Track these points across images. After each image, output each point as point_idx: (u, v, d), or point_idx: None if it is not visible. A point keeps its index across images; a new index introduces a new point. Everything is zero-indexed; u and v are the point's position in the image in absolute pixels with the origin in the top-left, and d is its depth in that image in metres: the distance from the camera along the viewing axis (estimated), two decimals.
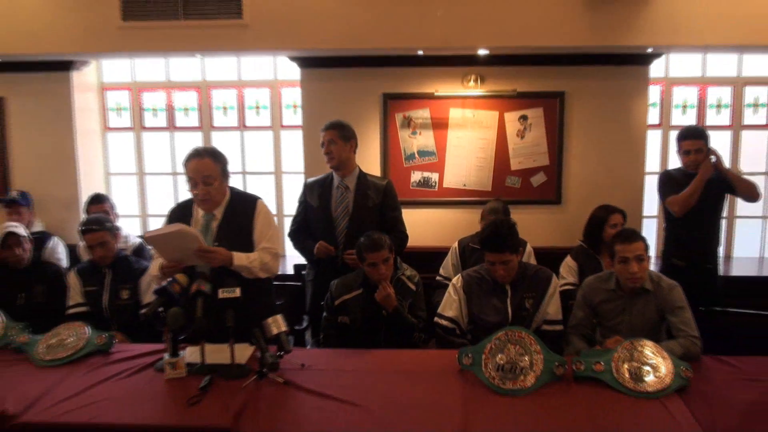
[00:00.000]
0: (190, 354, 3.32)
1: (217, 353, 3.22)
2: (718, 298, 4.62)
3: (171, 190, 6.65)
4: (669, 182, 4.71)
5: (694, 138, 4.60)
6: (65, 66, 5.99)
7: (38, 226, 5.42)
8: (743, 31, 4.98)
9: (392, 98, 5.79)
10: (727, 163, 4.93)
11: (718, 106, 6.12)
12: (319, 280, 4.41)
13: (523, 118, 5.73)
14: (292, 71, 6.08)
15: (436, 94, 5.73)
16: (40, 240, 4.97)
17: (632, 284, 3.54)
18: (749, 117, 6.12)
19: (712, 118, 6.11)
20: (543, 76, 5.68)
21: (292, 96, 6.35)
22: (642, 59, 5.59)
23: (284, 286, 4.84)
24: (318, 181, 4.56)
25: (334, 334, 3.96)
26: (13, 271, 4.33)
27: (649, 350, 3.09)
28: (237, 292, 3.20)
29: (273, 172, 6.53)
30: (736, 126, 6.11)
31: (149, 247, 4.39)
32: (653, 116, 6.01)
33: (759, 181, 4.91)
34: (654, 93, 6.01)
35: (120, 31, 5.32)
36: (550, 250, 5.06)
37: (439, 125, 5.79)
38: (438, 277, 4.78)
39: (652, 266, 3.94)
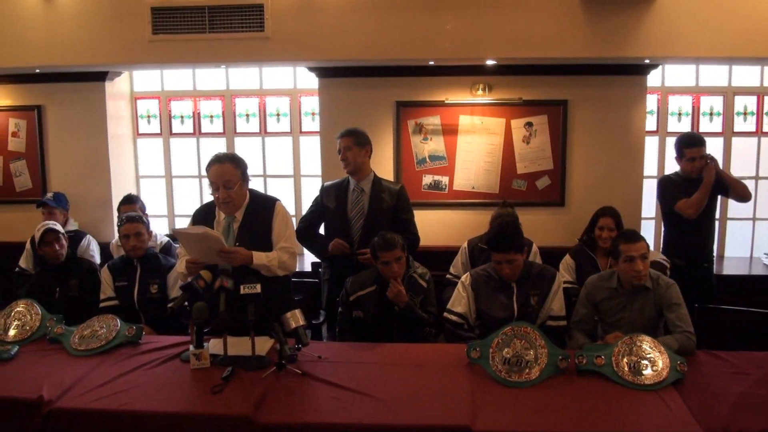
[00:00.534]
0: (214, 346, 3.31)
1: (239, 345, 3.22)
2: (714, 295, 4.65)
3: (196, 192, 6.65)
4: (672, 187, 4.71)
5: (698, 145, 4.61)
6: (100, 76, 6.01)
7: (73, 225, 5.43)
8: (733, 44, 4.95)
9: (405, 106, 5.76)
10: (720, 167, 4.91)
11: (711, 114, 6.08)
12: (335, 279, 4.41)
13: (529, 124, 5.69)
14: (311, 81, 6.06)
15: (446, 101, 5.70)
16: (74, 238, 5.01)
17: (637, 282, 3.51)
18: (739, 124, 6.08)
19: (705, 125, 6.07)
20: (547, 85, 5.64)
21: (311, 104, 6.34)
22: (640, 69, 5.54)
23: (302, 282, 4.84)
24: (335, 184, 4.56)
25: (349, 328, 3.95)
26: (51, 267, 4.36)
27: (647, 345, 3.07)
28: (258, 288, 3.20)
29: (292, 175, 6.52)
30: (728, 133, 6.06)
31: (176, 244, 4.41)
32: (650, 123, 5.96)
33: (749, 184, 4.90)
34: (651, 101, 5.95)
35: (150, 44, 5.32)
36: (553, 250, 5.01)
37: (449, 131, 5.75)
38: (448, 275, 4.75)
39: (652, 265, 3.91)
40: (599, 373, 2.99)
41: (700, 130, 5.96)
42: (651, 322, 3.51)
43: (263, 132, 6.49)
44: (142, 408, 2.74)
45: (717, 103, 6.06)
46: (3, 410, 2.83)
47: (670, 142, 5.55)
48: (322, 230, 4.63)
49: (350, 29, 5.18)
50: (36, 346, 3.46)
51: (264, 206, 3.64)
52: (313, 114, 6.35)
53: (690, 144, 4.62)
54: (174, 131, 6.58)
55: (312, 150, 6.33)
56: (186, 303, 3.28)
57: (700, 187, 4.53)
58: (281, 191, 6.44)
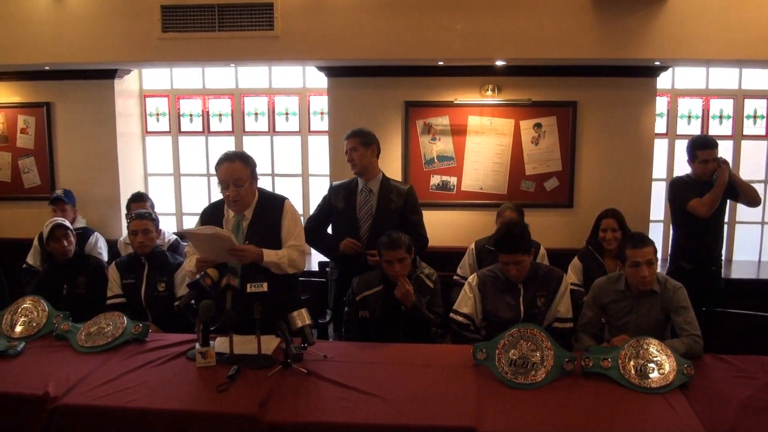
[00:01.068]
0: (220, 344, 3.32)
1: (245, 344, 3.22)
2: (721, 299, 4.63)
3: (205, 190, 6.66)
4: (685, 188, 4.67)
5: (711, 148, 4.59)
6: (109, 74, 6.03)
7: (80, 223, 5.44)
8: (744, 46, 4.93)
9: (413, 106, 5.76)
10: None
11: (721, 117, 6.05)
12: (342, 280, 4.39)
13: (538, 125, 5.68)
14: (320, 80, 6.07)
15: (455, 102, 5.69)
16: (82, 235, 5.01)
17: (643, 287, 3.50)
18: (749, 127, 6.05)
19: (714, 128, 6.03)
20: (556, 86, 5.63)
21: (320, 103, 6.34)
22: (649, 71, 5.52)
23: (309, 281, 4.84)
24: (343, 184, 4.55)
25: (355, 328, 3.94)
26: (58, 264, 4.36)
27: (654, 348, 3.06)
28: (264, 286, 3.21)
29: (300, 174, 6.52)
30: (737, 136, 6.03)
31: (185, 243, 4.42)
32: (660, 126, 5.93)
33: (758, 188, 4.87)
34: (661, 104, 5.93)
35: (160, 42, 5.34)
36: (561, 252, 4.99)
37: (458, 132, 5.75)
38: (455, 276, 4.74)
39: (660, 268, 3.89)
40: (606, 375, 2.98)
41: (710, 133, 5.92)
42: (658, 325, 3.50)
43: (272, 131, 6.49)
44: (148, 405, 2.74)
45: (727, 106, 6.03)
46: (9, 406, 2.84)
47: (680, 145, 5.54)
48: (329, 230, 4.63)
49: (360, 29, 5.18)
50: (42, 343, 3.47)
51: (273, 204, 3.65)
52: (321, 113, 6.35)
53: (703, 146, 4.60)
54: (183, 129, 6.59)
55: (320, 149, 6.34)
56: (193, 301, 3.29)
57: (713, 188, 4.52)
58: (289, 190, 6.43)
